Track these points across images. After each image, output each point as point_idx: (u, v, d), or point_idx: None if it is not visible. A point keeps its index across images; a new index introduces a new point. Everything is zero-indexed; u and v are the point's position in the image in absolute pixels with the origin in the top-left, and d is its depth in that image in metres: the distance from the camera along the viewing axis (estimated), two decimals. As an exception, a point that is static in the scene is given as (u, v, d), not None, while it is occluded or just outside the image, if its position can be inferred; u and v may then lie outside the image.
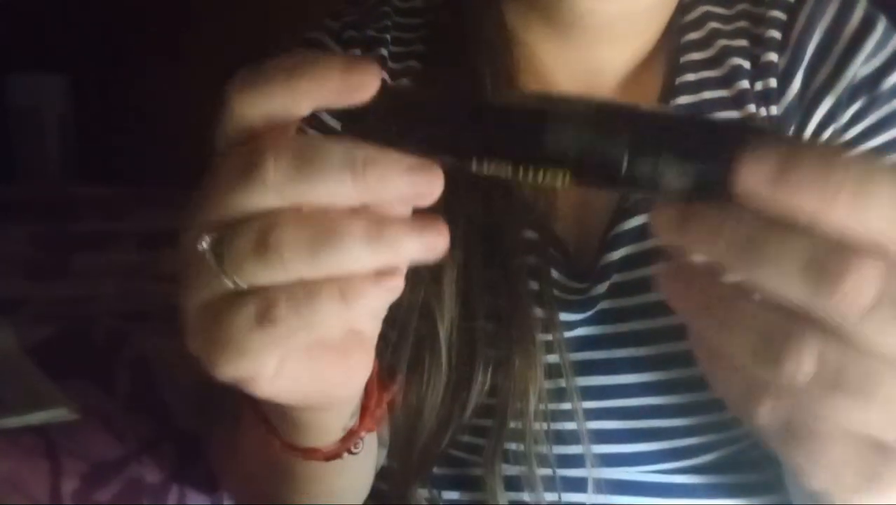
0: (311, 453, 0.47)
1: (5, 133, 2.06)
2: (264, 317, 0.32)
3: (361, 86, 0.31)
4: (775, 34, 0.63)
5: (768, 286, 0.29)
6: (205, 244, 0.32)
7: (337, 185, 0.31)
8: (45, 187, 1.86)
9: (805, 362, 0.28)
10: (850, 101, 0.61)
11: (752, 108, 0.62)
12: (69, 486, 0.85)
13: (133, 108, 2.04)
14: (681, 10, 0.66)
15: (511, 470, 0.59)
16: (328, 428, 0.47)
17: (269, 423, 0.47)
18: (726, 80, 0.63)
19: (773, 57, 0.63)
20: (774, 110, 0.62)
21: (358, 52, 0.65)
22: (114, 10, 2.06)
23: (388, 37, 0.66)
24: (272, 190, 0.31)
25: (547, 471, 0.59)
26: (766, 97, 0.62)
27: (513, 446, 0.59)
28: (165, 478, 0.91)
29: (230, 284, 0.32)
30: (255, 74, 0.32)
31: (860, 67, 0.61)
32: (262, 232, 0.31)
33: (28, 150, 2.09)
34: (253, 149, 0.31)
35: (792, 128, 0.62)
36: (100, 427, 0.91)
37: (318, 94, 0.32)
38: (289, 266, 0.31)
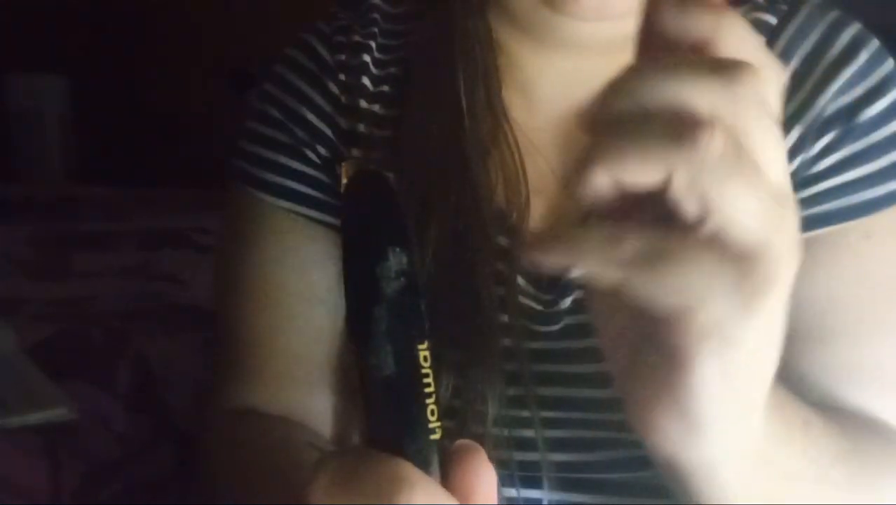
0: None
1: (5, 133, 2.07)
2: None
3: None
4: None
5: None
6: None
7: None
8: (45, 187, 1.87)
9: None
10: (820, 132, 0.59)
11: None
12: (69, 486, 0.85)
13: (133, 109, 2.04)
14: None
15: None
16: None
17: None
18: None
19: None
20: None
21: (343, 56, 0.66)
22: (114, 10, 2.06)
23: (374, 43, 0.66)
24: None
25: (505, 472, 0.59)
26: None
27: None
28: (165, 478, 0.91)
29: None
30: None
31: (836, 98, 0.59)
32: None
33: (28, 150, 2.09)
34: None
35: None
36: (100, 427, 0.91)
37: None
38: None
